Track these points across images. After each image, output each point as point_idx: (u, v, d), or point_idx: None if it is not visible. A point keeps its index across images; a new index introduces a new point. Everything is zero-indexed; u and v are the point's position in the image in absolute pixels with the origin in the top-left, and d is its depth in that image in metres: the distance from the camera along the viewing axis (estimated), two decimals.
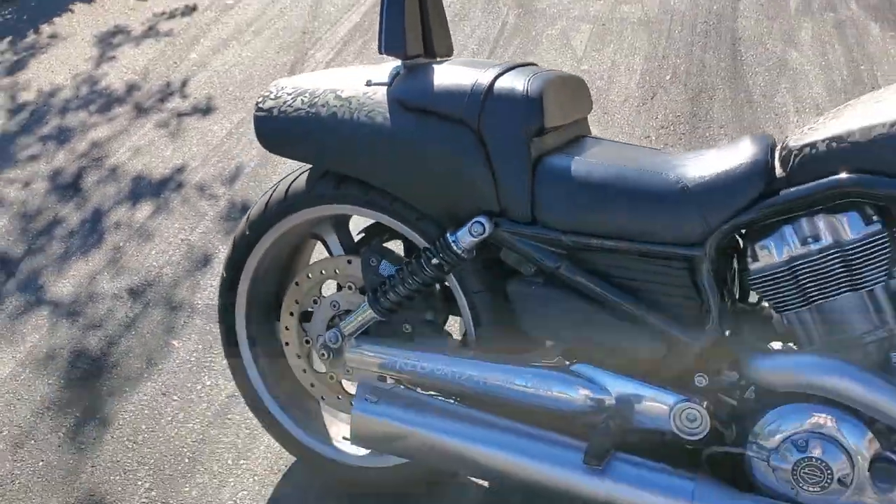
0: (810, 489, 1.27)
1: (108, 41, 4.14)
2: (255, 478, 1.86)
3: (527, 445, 1.40)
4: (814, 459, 1.26)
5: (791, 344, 1.34)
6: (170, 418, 2.02)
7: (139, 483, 1.86)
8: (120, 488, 1.85)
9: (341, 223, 1.69)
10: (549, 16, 4.07)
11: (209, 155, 3.10)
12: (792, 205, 1.26)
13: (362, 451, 1.73)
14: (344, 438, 1.75)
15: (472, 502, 1.77)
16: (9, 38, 4.25)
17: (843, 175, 1.22)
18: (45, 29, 4.34)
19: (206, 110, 3.42)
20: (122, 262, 2.57)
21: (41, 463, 1.93)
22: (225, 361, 1.83)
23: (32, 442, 1.99)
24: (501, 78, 1.42)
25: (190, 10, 4.41)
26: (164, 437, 1.97)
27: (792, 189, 1.26)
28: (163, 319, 2.34)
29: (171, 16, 4.36)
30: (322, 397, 1.76)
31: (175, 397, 2.08)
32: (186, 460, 1.91)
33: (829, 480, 1.26)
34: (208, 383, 2.12)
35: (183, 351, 2.22)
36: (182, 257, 2.58)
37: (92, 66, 3.89)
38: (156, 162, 3.08)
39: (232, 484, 1.85)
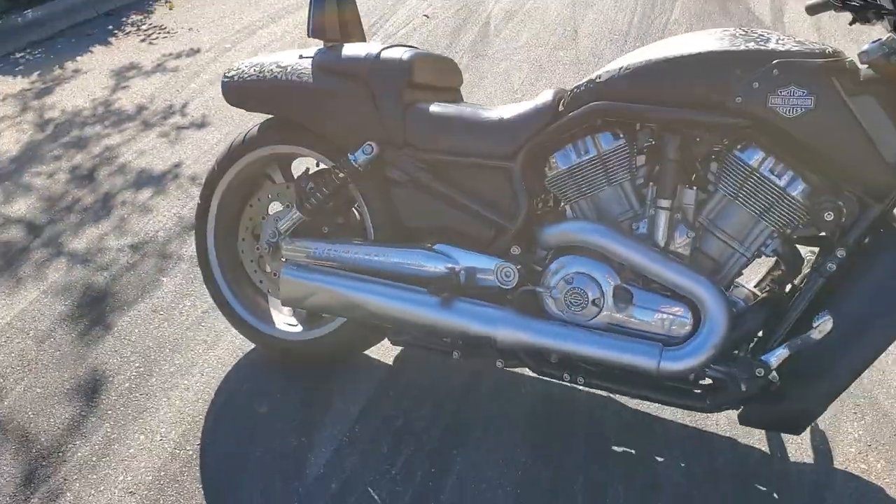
0: (575, 310, 1.90)
1: (123, 74, 4.88)
2: (218, 360, 2.47)
3: (401, 294, 2.03)
4: (577, 289, 1.89)
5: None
6: (157, 325, 2.65)
7: (131, 363, 2.48)
8: (116, 367, 2.47)
9: (284, 163, 2.35)
10: (496, 59, 4.80)
11: (201, 156, 3.77)
12: (564, 127, 1.91)
13: (297, 330, 2.35)
14: (286, 324, 2.38)
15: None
16: (38, 72, 4.99)
17: (592, 104, 1.88)
18: (69, 65, 5.09)
19: (201, 125, 4.11)
20: (126, 228, 3.22)
21: (58, 352, 2.55)
22: (201, 289, 2.46)
23: (51, 339, 2.61)
24: (386, 50, 2.10)
25: (194, 51, 5.16)
26: (151, 337, 2.59)
27: (563, 118, 1.92)
28: (156, 264, 2.98)
29: (178, 56, 5.11)
30: (268, 291, 2.40)
31: (162, 313, 2.71)
32: (167, 350, 2.53)
33: (586, 303, 1.89)
34: (188, 304, 2.74)
35: (170, 284, 2.86)
36: (174, 225, 3.23)
37: (108, 93, 4.61)
38: (157, 161, 3.77)
39: (201, 364, 2.46)
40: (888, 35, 1.66)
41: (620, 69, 1.87)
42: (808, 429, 2.11)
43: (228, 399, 2.34)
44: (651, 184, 1.90)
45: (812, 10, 1.88)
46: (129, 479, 2.07)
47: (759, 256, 1.88)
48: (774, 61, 1.69)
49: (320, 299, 2.13)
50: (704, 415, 2.16)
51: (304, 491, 2.02)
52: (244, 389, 2.37)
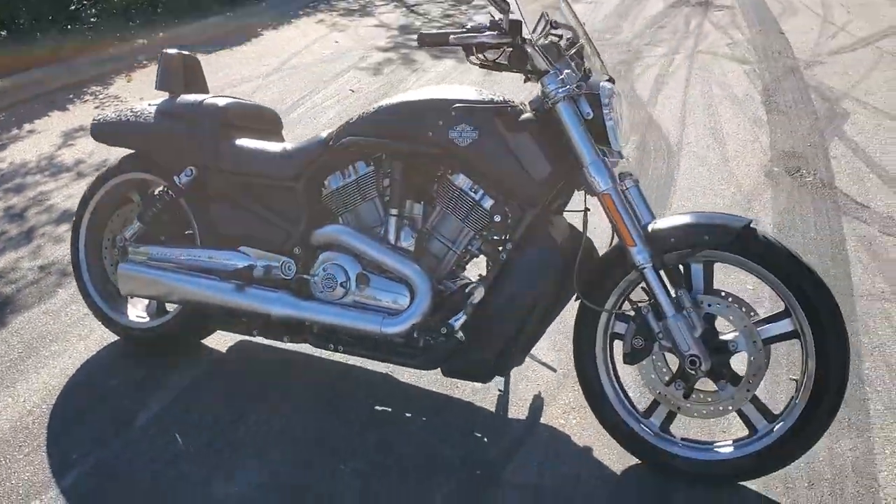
0: (329, 291, 2.50)
1: (71, 135, 5.58)
2: (87, 348, 3.05)
3: (206, 282, 2.63)
4: (330, 275, 2.49)
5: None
6: (44, 323, 3.23)
7: (15, 349, 3.06)
8: (3, 352, 3.05)
9: (143, 187, 2.98)
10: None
11: None
12: (330, 157, 2.54)
13: (145, 320, 2.94)
14: (137, 315, 2.98)
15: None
16: None
17: (345, 139, 2.51)
18: (26, 126, 5.80)
19: None
20: (39, 253, 3.83)
21: None
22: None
23: None
24: (209, 99, 2.76)
25: None
26: (38, 332, 3.17)
27: (328, 151, 2.54)
28: (56, 280, 3.58)
29: None
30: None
31: (51, 315, 3.30)
32: (48, 340, 3.11)
33: (335, 286, 2.49)
34: (74, 308, 3.33)
35: (64, 294, 3.46)
36: None
37: (54, 150, 5.29)
38: None
39: (71, 351, 3.04)
40: (540, 90, 2.30)
41: (367, 111, 2.51)
42: (534, 397, 2.68)
43: (87, 376, 2.91)
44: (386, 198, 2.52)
45: (422, 41, 2.27)
46: None
47: (468, 253, 2.49)
48: (454, 105, 2.33)
49: (149, 287, 2.73)
50: (455, 383, 2.73)
51: (128, 437, 2.58)
52: (101, 368, 2.94)
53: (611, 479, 2.35)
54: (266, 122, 2.90)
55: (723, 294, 2.27)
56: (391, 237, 2.47)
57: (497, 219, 2.35)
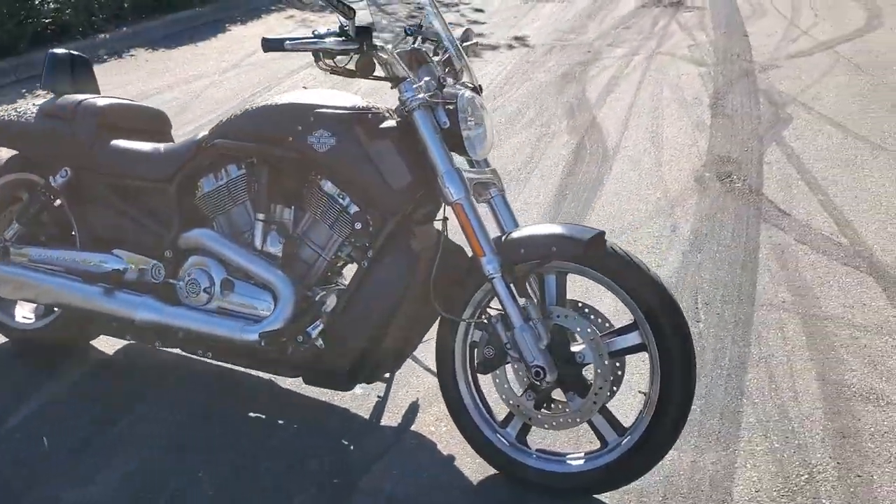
0: (193, 297, 2.48)
1: None
2: None
3: (76, 286, 2.62)
4: (194, 280, 2.47)
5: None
6: None
7: None
8: None
9: (33, 187, 2.97)
10: None
11: None
12: (200, 159, 2.53)
13: (32, 321, 2.93)
14: (23, 317, 2.97)
15: None
16: None
17: (214, 141, 2.49)
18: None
19: None
20: None
21: None
22: None
23: None
24: (89, 100, 2.74)
25: None
26: None
27: (199, 153, 2.53)
28: None
29: None
30: None
31: None
32: None
33: (199, 291, 2.47)
34: None
35: None
36: None
37: None
38: None
39: None
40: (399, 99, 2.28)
41: (236, 113, 2.50)
42: (410, 404, 2.67)
43: None
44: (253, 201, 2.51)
45: (265, 47, 2.26)
46: None
47: (340, 260, 2.48)
48: (313, 111, 2.32)
49: (23, 290, 2.73)
50: (333, 392, 2.72)
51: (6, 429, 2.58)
52: None
53: (468, 488, 2.35)
54: (153, 123, 2.89)
55: (579, 305, 2.26)
56: (258, 242, 2.46)
57: (358, 226, 2.34)
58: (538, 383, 2.17)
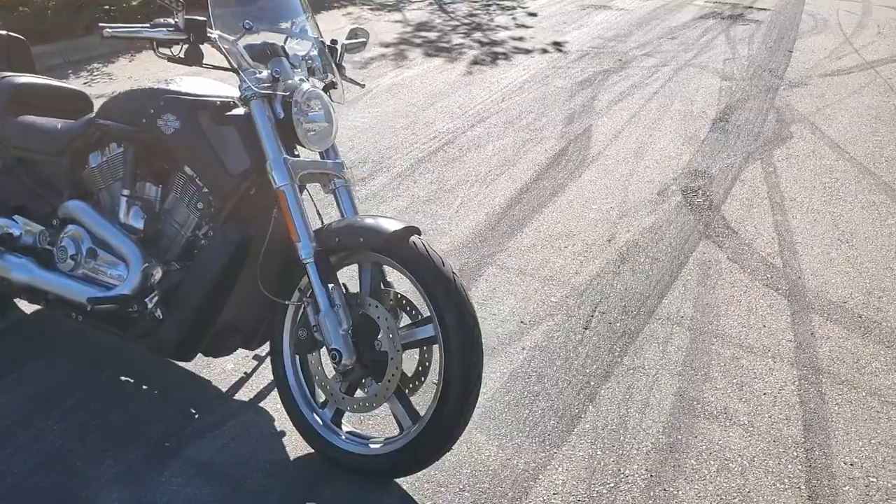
0: (61, 263, 2.68)
1: None
2: None
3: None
4: (63, 248, 2.67)
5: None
6: None
7: None
8: None
9: None
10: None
11: None
12: (84, 137, 2.72)
13: None
14: None
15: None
16: None
17: (89, 118, 2.69)
18: None
19: None
20: None
21: None
22: None
23: None
24: (7, 77, 2.98)
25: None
26: None
27: (87, 132, 2.73)
28: None
29: (98, 96, 6.19)
30: None
31: None
32: None
33: (66, 258, 2.67)
34: None
35: None
36: None
37: None
38: None
39: None
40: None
41: (117, 95, 2.68)
42: (269, 383, 2.80)
43: None
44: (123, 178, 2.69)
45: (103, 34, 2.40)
46: None
47: (197, 238, 2.63)
48: (163, 96, 2.47)
49: None
50: (210, 364, 2.87)
51: None
52: None
53: (283, 463, 2.45)
54: (72, 103, 3.11)
55: (398, 296, 2.34)
56: (122, 216, 2.64)
57: (200, 206, 2.49)
58: (336, 365, 2.26)
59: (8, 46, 3.13)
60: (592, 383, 2.80)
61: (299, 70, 2.52)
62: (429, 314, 2.25)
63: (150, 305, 2.50)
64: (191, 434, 2.57)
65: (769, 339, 3.07)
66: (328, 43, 2.71)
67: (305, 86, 2.40)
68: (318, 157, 2.53)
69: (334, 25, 9.01)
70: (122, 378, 2.86)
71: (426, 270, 2.19)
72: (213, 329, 2.51)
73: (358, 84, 2.96)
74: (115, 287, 2.56)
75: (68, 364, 2.91)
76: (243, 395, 2.76)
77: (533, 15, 9.65)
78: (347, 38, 2.87)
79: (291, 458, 2.47)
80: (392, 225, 2.26)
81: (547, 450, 2.49)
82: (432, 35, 8.48)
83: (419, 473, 2.37)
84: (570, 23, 9.15)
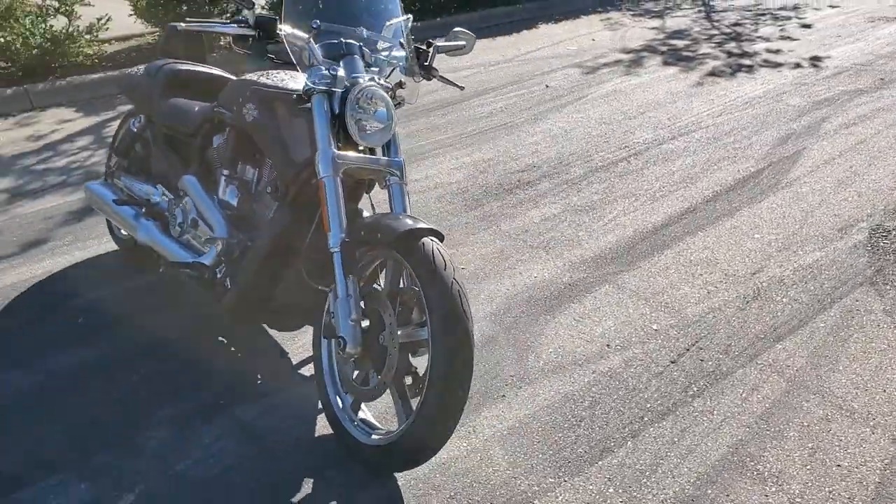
0: (172, 229, 3.02)
1: None
2: None
3: (126, 211, 3.30)
4: (174, 216, 3.01)
5: None
6: None
7: None
8: None
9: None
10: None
11: None
12: (211, 123, 3.04)
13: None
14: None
15: None
16: None
17: (214, 108, 2.99)
18: None
19: None
20: None
21: None
22: None
23: None
24: (167, 65, 3.40)
25: None
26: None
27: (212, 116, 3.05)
28: None
29: None
30: None
31: None
32: None
33: (175, 225, 3.00)
34: None
35: None
36: None
37: None
38: None
39: None
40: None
41: (232, 84, 2.97)
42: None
43: None
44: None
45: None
46: None
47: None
48: (251, 87, 2.70)
49: (99, 206, 3.49)
50: (263, 332, 3.10)
51: None
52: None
53: (311, 440, 2.58)
54: (215, 86, 3.46)
55: (414, 293, 2.37)
56: (220, 193, 2.93)
57: (270, 190, 2.69)
58: (341, 352, 2.35)
59: (186, 37, 3.56)
60: (646, 419, 2.62)
61: (377, 69, 2.62)
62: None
63: (219, 275, 2.75)
64: (244, 396, 2.78)
65: (883, 407, 2.65)
66: (422, 46, 2.79)
67: (363, 84, 2.49)
68: (377, 154, 2.59)
69: (586, 30, 8.98)
70: (219, 338, 3.15)
71: (426, 271, 2.20)
72: (272, 304, 2.70)
73: (457, 86, 3.00)
74: (202, 255, 2.85)
75: (180, 319, 3.26)
76: (307, 370, 2.93)
77: (807, 27, 8.89)
78: (446, 41, 2.92)
79: (316, 436, 2.59)
80: (411, 225, 2.29)
81: (558, 477, 2.38)
82: (681, 43, 8.15)
83: (419, 473, 2.39)
84: (844, 36, 8.31)
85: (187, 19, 2.65)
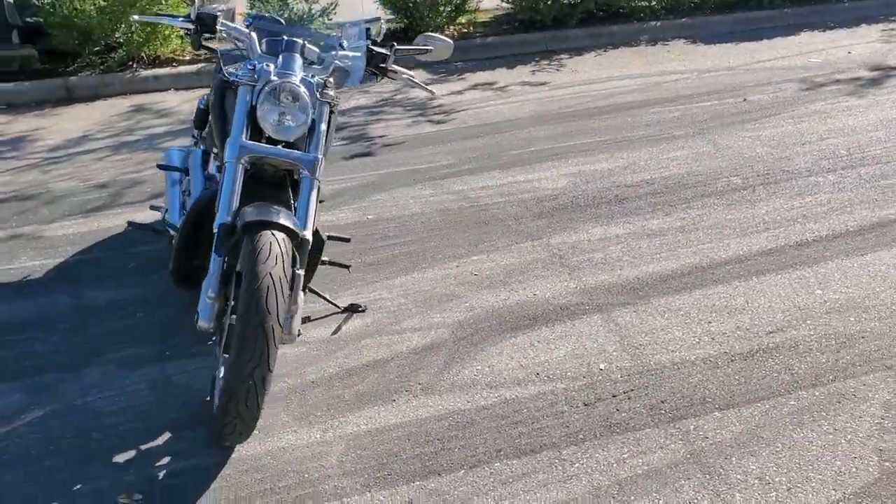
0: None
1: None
2: None
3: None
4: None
5: None
6: None
7: None
8: None
9: None
10: None
11: None
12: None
13: None
14: None
15: None
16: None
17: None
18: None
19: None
20: None
21: None
22: None
23: None
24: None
25: None
26: None
27: None
28: None
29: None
30: None
31: None
32: None
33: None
34: None
35: None
36: None
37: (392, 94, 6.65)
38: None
39: None
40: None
41: None
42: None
43: None
44: None
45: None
46: None
47: None
48: (219, 73, 2.98)
49: None
50: None
51: None
52: None
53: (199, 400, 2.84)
54: None
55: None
56: (209, 167, 3.27)
57: (216, 167, 2.98)
58: (195, 326, 2.58)
59: None
60: (501, 453, 2.51)
61: (320, 67, 2.78)
62: None
63: (173, 242, 3.09)
64: (187, 355, 3.10)
65: None
66: (381, 49, 2.89)
67: (276, 80, 2.65)
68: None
69: (851, 41, 7.99)
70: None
71: (248, 261, 2.35)
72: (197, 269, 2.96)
73: (428, 91, 3.04)
74: None
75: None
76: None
77: None
78: (412, 45, 2.97)
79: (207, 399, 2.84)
80: (263, 217, 2.43)
81: (365, 486, 2.40)
82: None
83: (255, 450, 2.56)
84: None
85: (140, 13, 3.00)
